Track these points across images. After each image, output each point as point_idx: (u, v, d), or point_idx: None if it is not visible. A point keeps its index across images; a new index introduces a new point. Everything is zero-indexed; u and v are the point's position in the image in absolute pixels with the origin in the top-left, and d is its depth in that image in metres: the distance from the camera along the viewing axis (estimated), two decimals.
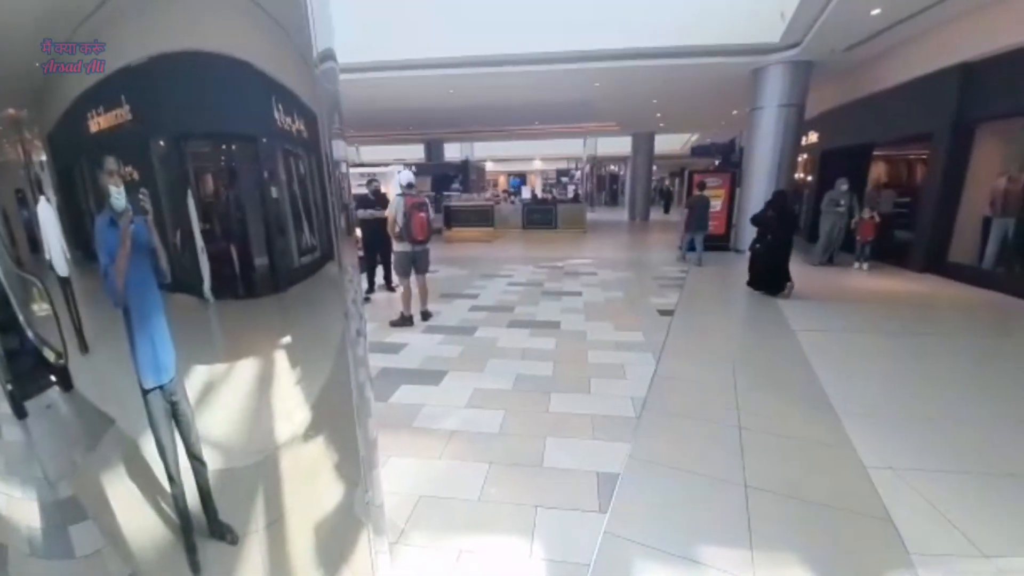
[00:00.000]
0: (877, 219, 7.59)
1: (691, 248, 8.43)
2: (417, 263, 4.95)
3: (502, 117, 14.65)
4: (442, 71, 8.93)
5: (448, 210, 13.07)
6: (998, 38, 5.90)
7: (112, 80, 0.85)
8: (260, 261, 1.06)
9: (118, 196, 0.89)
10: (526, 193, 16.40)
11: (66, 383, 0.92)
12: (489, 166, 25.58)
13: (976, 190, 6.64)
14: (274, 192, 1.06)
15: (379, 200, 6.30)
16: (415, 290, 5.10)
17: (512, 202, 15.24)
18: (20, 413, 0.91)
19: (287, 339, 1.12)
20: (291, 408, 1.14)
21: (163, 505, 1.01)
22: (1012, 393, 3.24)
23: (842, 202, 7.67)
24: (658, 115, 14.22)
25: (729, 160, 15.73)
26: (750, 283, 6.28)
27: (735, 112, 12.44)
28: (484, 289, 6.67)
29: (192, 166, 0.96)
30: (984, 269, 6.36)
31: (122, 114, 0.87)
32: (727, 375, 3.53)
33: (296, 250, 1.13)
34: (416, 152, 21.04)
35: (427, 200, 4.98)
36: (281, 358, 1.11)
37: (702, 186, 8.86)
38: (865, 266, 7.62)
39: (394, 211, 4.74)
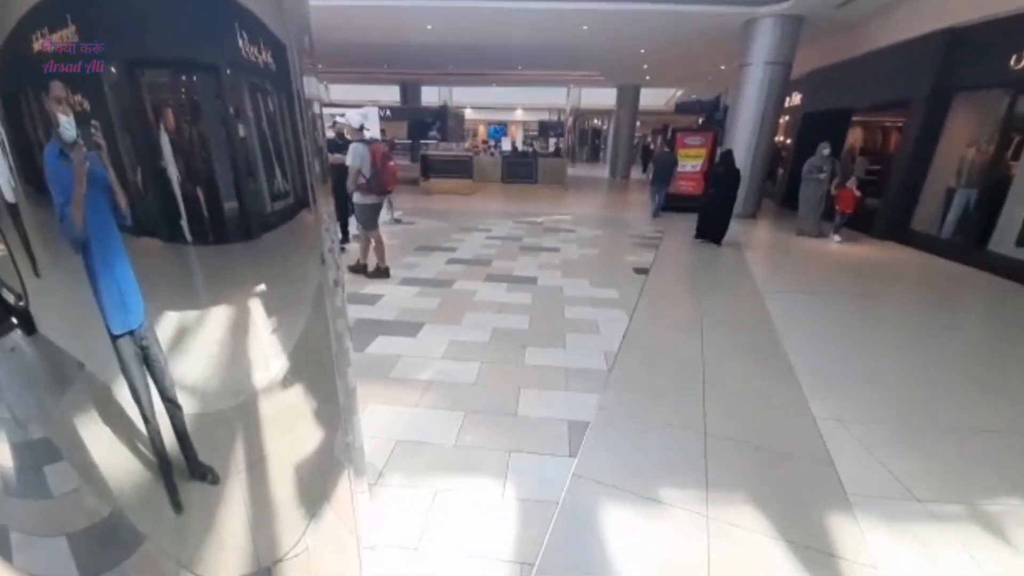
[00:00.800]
0: (857, 191, 7.19)
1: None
2: (372, 215, 4.73)
3: (483, 59, 13.90)
4: (419, 2, 8.30)
5: (425, 160, 12.61)
6: (985, 4, 5.87)
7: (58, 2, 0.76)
8: (230, 205, 1.00)
9: (67, 126, 0.81)
10: (507, 145, 15.92)
11: (29, 326, 0.88)
12: (468, 113, 24.54)
13: (945, 160, 6.83)
14: (241, 130, 1.00)
15: (347, 144, 6.01)
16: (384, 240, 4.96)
17: (492, 154, 14.80)
18: None
19: (262, 287, 1.09)
20: (268, 355, 1.14)
21: (140, 447, 1.01)
22: (953, 354, 3.51)
23: (824, 168, 7.32)
24: (645, 66, 13.78)
25: (712, 118, 15.57)
26: (697, 235, 7.04)
27: (723, 67, 12.18)
28: (462, 243, 6.60)
29: (150, 97, 0.88)
30: (942, 238, 6.68)
31: (68, 35, 0.79)
32: (695, 333, 3.68)
33: (268, 194, 1.07)
34: (391, 94, 19.90)
35: (381, 147, 4.68)
36: (257, 306, 1.09)
37: (669, 144, 9.63)
38: (837, 238, 7.28)
39: (358, 161, 4.35)
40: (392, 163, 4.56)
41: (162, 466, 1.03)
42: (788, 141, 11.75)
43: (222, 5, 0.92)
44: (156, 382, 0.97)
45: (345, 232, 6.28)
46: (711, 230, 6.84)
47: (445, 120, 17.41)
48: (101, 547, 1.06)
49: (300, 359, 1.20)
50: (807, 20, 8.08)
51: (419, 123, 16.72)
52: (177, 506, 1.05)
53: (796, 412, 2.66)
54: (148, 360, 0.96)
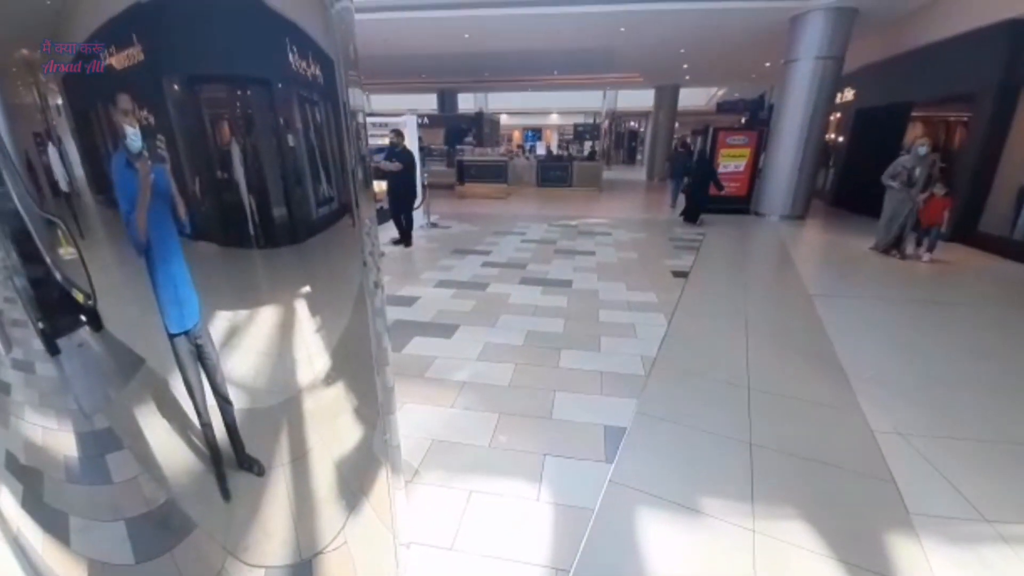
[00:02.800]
0: (945, 197, 5.77)
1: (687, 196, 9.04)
2: None
3: (520, 65, 14.00)
4: (458, 12, 8.46)
5: (461, 165, 12.80)
6: None
7: (124, 17, 0.81)
8: (279, 211, 1.05)
9: (134, 137, 0.87)
10: (541, 149, 15.92)
11: (96, 323, 0.94)
12: (504, 119, 24.75)
13: (1015, 157, 6.27)
14: (291, 140, 1.04)
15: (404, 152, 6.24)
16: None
17: (527, 158, 14.84)
18: (53, 350, 0.94)
19: (307, 288, 1.13)
20: (312, 354, 1.17)
21: (193, 439, 1.06)
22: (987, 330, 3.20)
23: (917, 172, 5.68)
24: (685, 66, 13.46)
25: (757, 117, 14.99)
26: (683, 216, 8.64)
27: (768, 64, 11.71)
28: (496, 245, 6.64)
29: (207, 111, 0.94)
30: (1015, 239, 6.12)
31: (134, 54, 0.84)
32: (739, 338, 3.53)
33: (315, 200, 1.11)
34: (429, 102, 20.37)
35: None
36: (302, 307, 1.13)
37: (684, 145, 10.95)
38: (927, 256, 5.82)
39: None
40: None
41: (213, 457, 1.08)
42: (839, 139, 11.14)
43: (273, 21, 0.96)
44: (209, 379, 1.02)
45: (401, 232, 6.45)
46: (691, 211, 8.50)
47: (481, 126, 17.63)
48: (155, 532, 1.11)
49: (342, 358, 1.23)
50: (861, 12, 7.65)
51: (455, 129, 17.02)
52: (225, 495, 1.10)
53: (851, 423, 2.49)
54: (202, 358, 1.01)
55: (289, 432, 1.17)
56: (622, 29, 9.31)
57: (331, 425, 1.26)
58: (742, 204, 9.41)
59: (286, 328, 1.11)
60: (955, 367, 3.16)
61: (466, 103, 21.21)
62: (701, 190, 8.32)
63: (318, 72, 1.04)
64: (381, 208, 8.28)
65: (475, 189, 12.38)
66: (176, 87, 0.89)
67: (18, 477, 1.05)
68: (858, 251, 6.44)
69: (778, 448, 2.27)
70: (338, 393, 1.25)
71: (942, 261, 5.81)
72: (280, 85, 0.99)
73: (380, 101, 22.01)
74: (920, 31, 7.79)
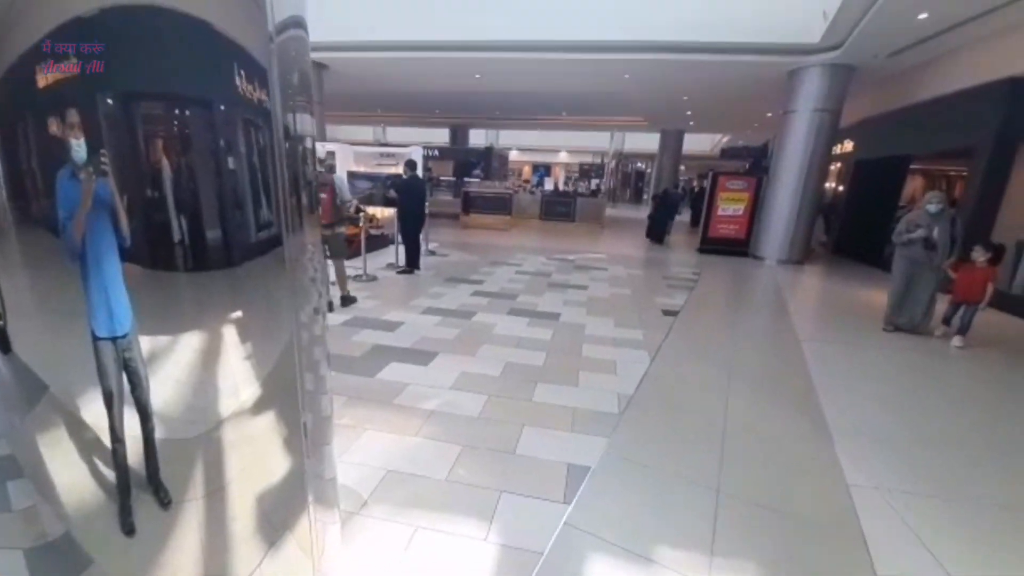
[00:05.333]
0: (985, 264, 4.39)
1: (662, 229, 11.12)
2: (329, 246, 4.68)
3: (529, 105, 14.50)
4: (469, 54, 8.84)
5: (467, 196, 13.05)
6: None
7: (63, 31, 0.85)
8: (213, 233, 1.06)
9: (78, 148, 0.89)
10: (549, 185, 16.24)
11: (4, 345, 0.94)
12: (514, 155, 25.42)
13: (1012, 211, 6.27)
14: (226, 162, 1.06)
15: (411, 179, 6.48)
16: (330, 274, 4.82)
17: (532, 192, 15.12)
18: None
19: (237, 314, 1.13)
20: (239, 381, 1.15)
21: (101, 466, 1.02)
22: (1015, 423, 3.08)
23: (934, 233, 4.42)
24: (688, 112, 13.85)
25: (760, 164, 15.26)
26: (647, 235, 11.24)
27: (769, 114, 12.02)
28: (490, 275, 6.66)
29: (143, 128, 0.96)
30: (1012, 294, 6.04)
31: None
32: (721, 381, 3.45)
33: (246, 224, 1.12)
34: (442, 136, 21.04)
35: (332, 180, 4.85)
36: (232, 332, 1.12)
37: (664, 193, 12.26)
38: (957, 341, 4.43)
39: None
40: (322, 195, 4.48)
41: (121, 487, 1.04)
42: (840, 188, 11.27)
43: (218, 43, 1.00)
44: (133, 391, 1.01)
45: (410, 259, 6.59)
46: (656, 234, 11.08)
47: (489, 160, 18.08)
48: (54, 565, 1.07)
49: (271, 387, 1.21)
50: (857, 68, 7.90)
51: (464, 162, 17.46)
52: (129, 529, 1.05)
53: (827, 476, 2.38)
54: (128, 370, 1.00)
55: (206, 461, 1.13)
56: (627, 76, 9.66)
57: (253, 457, 1.22)
58: (741, 247, 9.44)
59: (212, 352, 1.09)
60: (946, 425, 3.05)
61: (478, 138, 21.86)
62: (664, 219, 11.10)
63: (257, 95, 1.07)
64: (382, 234, 8.41)
65: (479, 220, 12.55)
66: (111, 102, 0.92)
67: None
68: (854, 298, 6.38)
69: (746, 498, 2.17)
70: (264, 423, 1.22)
71: (976, 346, 4.43)
72: (218, 105, 1.02)
73: (396, 133, 22.78)
74: (917, 87, 7.99)
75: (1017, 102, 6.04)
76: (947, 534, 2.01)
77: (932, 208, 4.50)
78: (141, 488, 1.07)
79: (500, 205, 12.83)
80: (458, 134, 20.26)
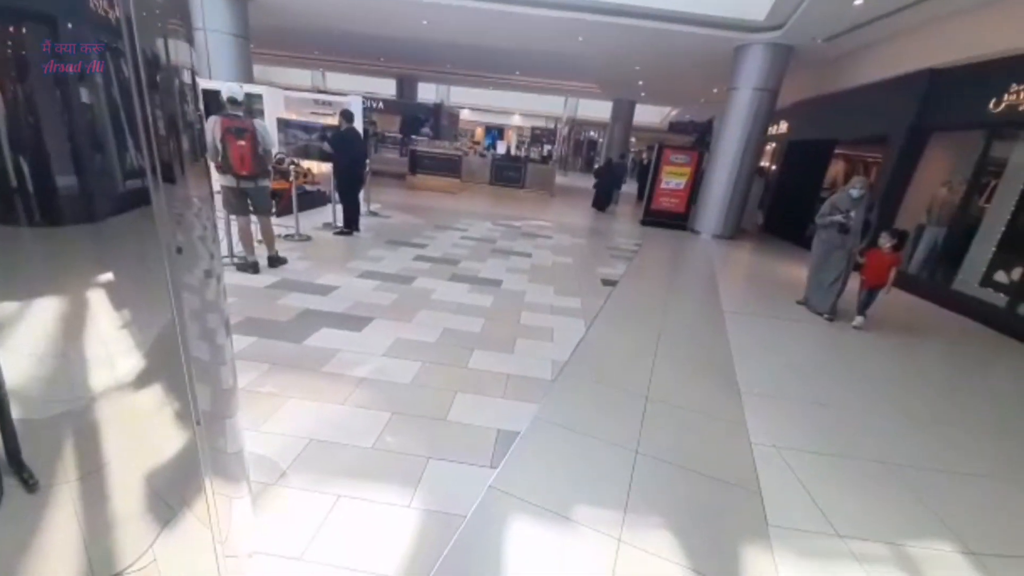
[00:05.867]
0: (893, 252, 4.54)
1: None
2: (253, 201, 4.28)
3: (481, 60, 13.88)
4: None
5: (414, 155, 12.48)
6: (964, 47, 5.99)
7: None
8: (66, 181, 0.89)
9: None
10: (501, 148, 15.86)
11: None
12: (465, 114, 24.49)
13: (917, 197, 6.93)
14: (84, 95, 0.88)
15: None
16: (256, 232, 4.49)
17: (482, 155, 14.73)
18: None
19: (109, 276, 0.97)
20: (114, 352, 1.01)
21: None
22: (908, 388, 3.50)
23: (851, 215, 4.62)
24: (640, 83, 13.89)
25: (703, 139, 15.73)
26: (593, 205, 11.76)
27: (715, 90, 12.30)
28: (434, 240, 6.49)
29: None
30: (908, 273, 6.77)
31: None
32: (650, 348, 3.62)
33: (110, 172, 0.95)
34: (388, 87, 19.77)
35: (252, 125, 4.07)
36: (101, 297, 0.97)
37: (608, 162, 12.81)
38: (858, 319, 4.71)
39: (209, 136, 3.85)
40: (242, 142, 3.92)
41: None
42: (773, 167, 11.91)
43: None
44: None
45: (348, 220, 6.19)
46: (601, 203, 11.71)
47: (439, 118, 17.32)
48: None
49: (154, 358, 1.08)
50: (796, 50, 8.19)
51: (412, 119, 16.62)
52: None
53: (734, 436, 2.59)
54: None
55: (76, 440, 1.00)
56: (580, 38, 9.44)
57: (132, 434, 1.09)
58: (680, 220, 9.82)
59: (78, 321, 0.94)
60: (843, 393, 3.39)
61: (427, 93, 20.78)
62: (608, 189, 11.80)
63: (109, 15, 0.89)
64: (318, 191, 7.88)
65: (426, 182, 12.11)
66: None
67: None
68: (777, 274, 6.87)
69: (660, 458, 2.32)
70: (148, 398, 1.09)
71: (873, 329, 4.70)
72: (67, 24, 0.84)
73: (337, 80, 21.10)
74: (847, 74, 8.45)
75: (933, 93, 6.54)
76: (835, 488, 2.27)
77: (855, 192, 4.64)
78: (3, 470, 0.93)
79: (449, 167, 12.42)
80: (405, 86, 19.12)
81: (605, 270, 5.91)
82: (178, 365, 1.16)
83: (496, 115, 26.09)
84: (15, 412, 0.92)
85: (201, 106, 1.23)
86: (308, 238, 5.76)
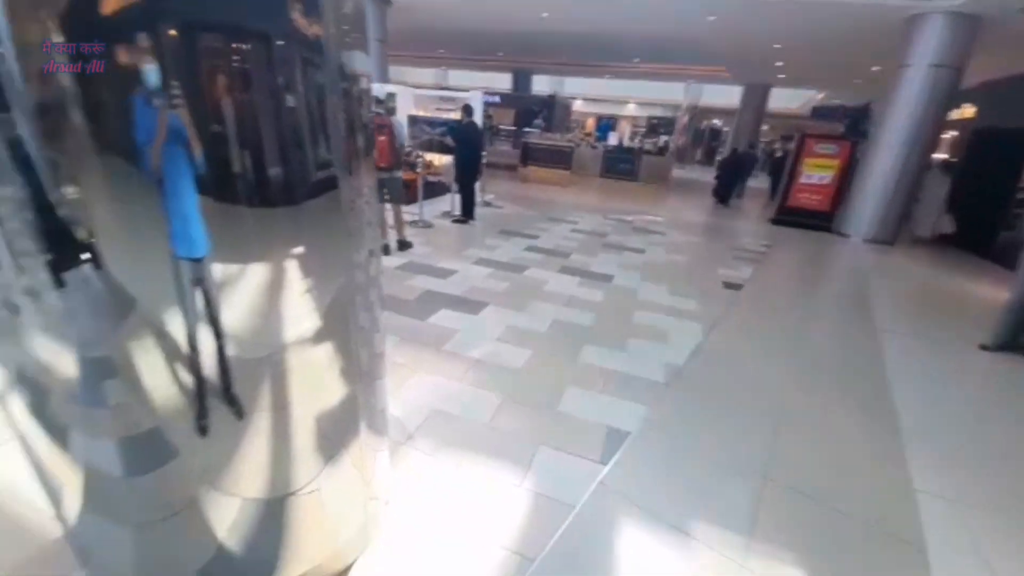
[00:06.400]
0: None
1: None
2: (388, 190, 4.65)
3: (598, 50, 13.54)
4: None
5: (526, 147, 12.69)
6: None
7: None
8: (274, 171, 1.07)
9: (151, 74, 0.90)
10: (613, 139, 15.40)
11: (97, 261, 1.00)
12: (578, 105, 24.17)
13: None
14: (286, 100, 1.04)
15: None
16: (388, 218, 4.93)
17: (593, 146, 14.44)
18: (59, 283, 1.01)
19: (300, 249, 1.16)
20: (300, 313, 1.20)
21: (182, 373, 1.12)
22: None
23: None
24: (779, 64, 12.39)
25: (858, 127, 13.55)
26: (713, 194, 11.21)
27: (875, 68, 10.50)
28: (546, 232, 6.55)
29: (205, 61, 0.95)
30: None
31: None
32: (780, 360, 3.25)
33: (308, 165, 1.12)
34: (504, 81, 20.31)
35: (390, 122, 4.57)
36: (293, 266, 1.16)
37: (734, 152, 12.08)
38: None
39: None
40: (382, 137, 4.39)
41: (199, 392, 1.13)
42: (952, 161, 9.84)
43: None
44: (206, 313, 1.07)
45: (465, 208, 6.62)
46: (722, 194, 11.04)
47: (552, 109, 17.33)
48: (142, 454, 1.20)
49: (329, 322, 1.25)
50: (985, 20, 6.60)
51: (526, 111, 16.84)
52: (203, 429, 1.16)
53: (891, 477, 2.22)
54: (202, 290, 1.07)
55: (272, 380, 1.21)
56: (711, 18, 8.69)
57: (313, 382, 1.29)
58: (823, 220, 8.60)
59: (276, 284, 1.14)
60: None
61: (541, 85, 20.93)
62: (732, 180, 11.14)
63: (309, 31, 1.03)
64: (439, 181, 8.42)
65: (537, 173, 12.25)
66: (174, 32, 0.90)
67: (27, 389, 1.16)
68: (953, 292, 5.70)
69: (795, 488, 2.08)
70: (321, 354, 1.28)
71: None
72: (277, 41, 1.00)
73: (458, 77, 22.25)
74: None
75: None
76: (1014, 554, 1.84)
77: None
78: (217, 397, 1.16)
79: (560, 158, 12.40)
80: (520, 79, 19.45)
81: (727, 272, 5.44)
82: (347, 330, 1.33)
83: (610, 104, 25.35)
84: (230, 351, 1.14)
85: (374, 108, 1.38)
86: (430, 225, 6.20)
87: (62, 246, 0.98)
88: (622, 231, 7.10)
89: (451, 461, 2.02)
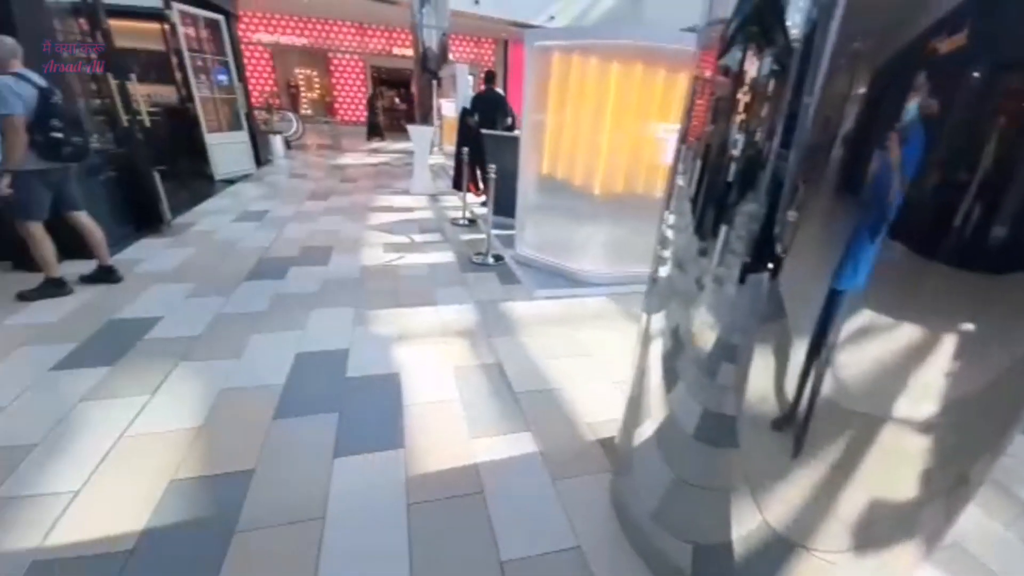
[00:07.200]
0: None
1: None
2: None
3: None
4: None
5: None
6: None
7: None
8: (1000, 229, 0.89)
9: None
10: None
11: (776, 271, 1.08)
12: None
13: None
14: None
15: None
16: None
17: None
18: (741, 280, 1.16)
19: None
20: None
21: (788, 383, 1.14)
22: None
23: None
24: None
25: None
26: None
27: None
28: None
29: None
30: None
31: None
32: None
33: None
34: None
35: None
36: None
37: None
38: None
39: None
40: None
41: (794, 402, 1.14)
42: None
43: None
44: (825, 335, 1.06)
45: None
46: None
47: None
48: (710, 428, 1.36)
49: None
50: None
51: None
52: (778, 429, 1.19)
53: None
54: (834, 318, 1.05)
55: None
56: None
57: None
58: None
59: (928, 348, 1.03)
60: None
61: None
62: None
63: None
64: None
65: None
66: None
67: (671, 338, 1.42)
68: None
69: None
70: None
71: None
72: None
73: None
74: None
75: None
76: None
77: None
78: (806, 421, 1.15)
79: None
80: None
81: None
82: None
83: None
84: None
85: None
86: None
87: (761, 255, 1.18)
88: None
89: None
